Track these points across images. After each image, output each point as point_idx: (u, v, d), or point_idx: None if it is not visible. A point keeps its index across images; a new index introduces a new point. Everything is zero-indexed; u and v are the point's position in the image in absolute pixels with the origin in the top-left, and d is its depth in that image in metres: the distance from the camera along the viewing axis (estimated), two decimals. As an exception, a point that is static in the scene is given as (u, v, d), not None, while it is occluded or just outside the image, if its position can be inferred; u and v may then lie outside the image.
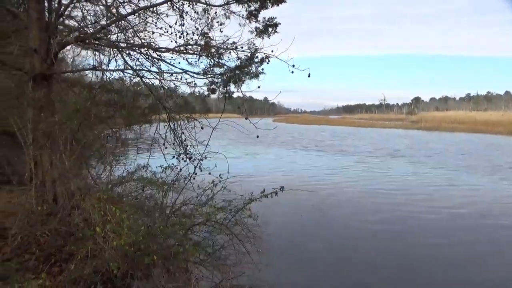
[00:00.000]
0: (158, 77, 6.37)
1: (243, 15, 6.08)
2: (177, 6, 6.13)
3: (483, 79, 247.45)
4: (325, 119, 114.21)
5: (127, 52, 6.27)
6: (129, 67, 6.18)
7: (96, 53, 6.28)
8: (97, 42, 6.14)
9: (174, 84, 6.57)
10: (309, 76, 5.79)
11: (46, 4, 5.88)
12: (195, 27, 6.32)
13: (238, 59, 6.29)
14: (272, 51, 5.86)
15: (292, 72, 5.72)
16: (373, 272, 6.66)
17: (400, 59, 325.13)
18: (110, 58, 5.96)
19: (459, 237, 8.59)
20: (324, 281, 6.30)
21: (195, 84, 6.69)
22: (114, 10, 5.96)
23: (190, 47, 6.33)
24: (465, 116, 75.93)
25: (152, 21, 6.35)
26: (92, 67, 6.32)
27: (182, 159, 6.39)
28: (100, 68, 5.96)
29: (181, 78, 6.55)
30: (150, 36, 6.38)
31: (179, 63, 6.45)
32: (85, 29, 6.34)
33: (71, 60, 7.00)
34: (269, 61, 6.15)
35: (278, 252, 6.87)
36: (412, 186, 14.48)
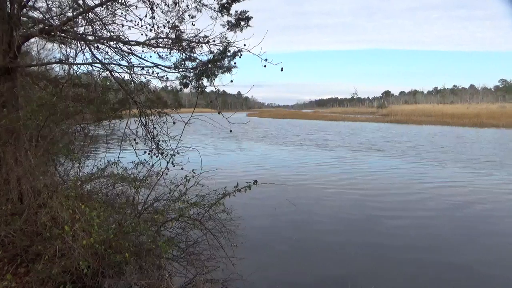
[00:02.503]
0: (128, 71, 6.22)
1: (215, 8, 6.03)
2: (147, -2, 5.99)
3: (449, 73, 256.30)
4: (299, 113, 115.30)
5: (95, 45, 6.08)
6: (98, 61, 6.02)
7: (63, 46, 6.05)
8: (63, 34, 5.93)
9: (145, 78, 6.45)
10: (281, 70, 5.80)
11: (7, -6, 5.62)
12: (166, 20, 6.21)
13: (210, 53, 6.24)
14: (244, 45, 5.85)
15: (265, 66, 5.72)
16: (346, 265, 6.79)
17: (372, 53, 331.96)
18: (78, 52, 5.75)
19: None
20: (298, 274, 6.39)
21: (167, 78, 6.58)
22: (80, 1, 5.77)
23: (161, 40, 6.21)
24: (432, 109, 78.53)
25: (121, 13, 6.16)
26: (58, 60, 6.10)
27: (154, 154, 6.28)
28: (67, 61, 5.75)
29: (152, 72, 6.43)
30: (119, 29, 6.20)
31: (150, 56, 6.32)
32: (50, 21, 6.10)
33: (36, 53, 6.72)
34: (241, 55, 6.13)
35: (252, 245, 6.90)
36: (385, 178, 14.86)
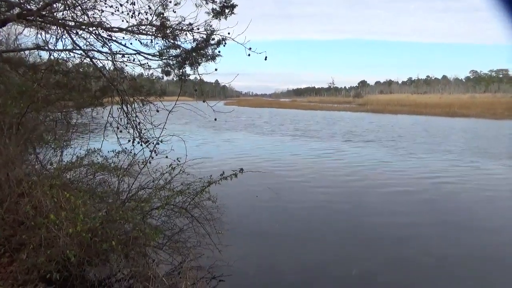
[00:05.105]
0: (109, 58, 6.11)
1: (200, -5, 5.95)
2: (129, -17, 5.86)
3: (423, 64, 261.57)
4: (276, 102, 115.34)
5: (75, 31, 5.94)
6: (78, 47, 5.88)
7: (42, 31, 5.87)
8: (41, 19, 5.75)
9: (126, 65, 6.35)
10: (265, 59, 5.84)
11: (-18, -24, 5.40)
12: (148, 6, 6.10)
13: (194, 41, 6.19)
14: (228, 33, 5.85)
15: (249, 55, 5.78)
16: (327, 250, 6.97)
17: (350, 43, 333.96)
18: (58, 38, 5.61)
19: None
20: (282, 259, 6.52)
21: (148, 66, 6.51)
22: (60, -14, 5.59)
23: (143, 27, 6.11)
24: (407, 99, 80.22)
25: (101, -2, 6.01)
26: (37, 46, 5.92)
27: (138, 143, 6.23)
28: (46, 47, 5.60)
29: (133, 60, 6.34)
30: (100, 15, 6.05)
31: (131, 43, 6.22)
32: (27, 5, 5.90)
33: (14, 38, 6.50)
34: (225, 43, 6.13)
35: (237, 232, 6.97)
36: (366, 166, 15.20)
